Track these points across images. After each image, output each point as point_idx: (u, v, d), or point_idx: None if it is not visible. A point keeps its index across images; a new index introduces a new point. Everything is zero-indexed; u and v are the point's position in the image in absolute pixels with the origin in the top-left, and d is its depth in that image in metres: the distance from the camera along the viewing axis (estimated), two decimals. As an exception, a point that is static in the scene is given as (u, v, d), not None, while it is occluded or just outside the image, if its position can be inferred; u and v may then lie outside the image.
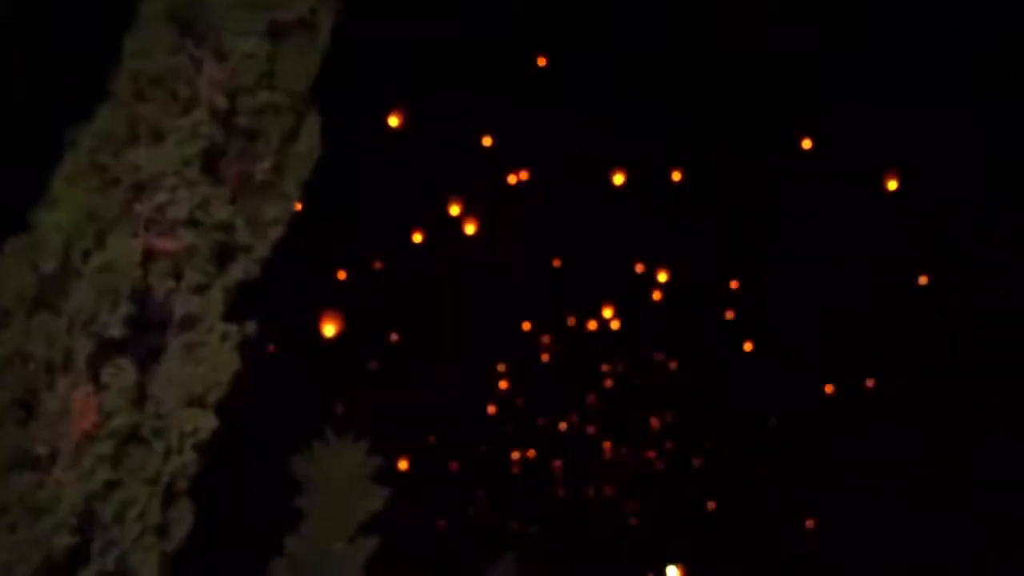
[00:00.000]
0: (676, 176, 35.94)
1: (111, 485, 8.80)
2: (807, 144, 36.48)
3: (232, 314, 10.38)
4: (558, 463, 38.68)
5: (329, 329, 28.59)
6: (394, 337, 38.28)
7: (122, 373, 8.96)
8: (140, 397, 9.22)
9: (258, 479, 25.58)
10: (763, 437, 38.48)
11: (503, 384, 38.22)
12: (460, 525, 37.43)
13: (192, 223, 9.62)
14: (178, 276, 9.78)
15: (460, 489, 37.92)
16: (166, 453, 9.26)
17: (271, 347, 38.31)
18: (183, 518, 9.54)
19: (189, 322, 9.72)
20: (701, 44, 37.64)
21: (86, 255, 9.06)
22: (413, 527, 36.99)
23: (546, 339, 38.37)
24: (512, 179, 37.60)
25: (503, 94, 39.30)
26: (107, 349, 9.01)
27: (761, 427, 38.56)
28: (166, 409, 9.29)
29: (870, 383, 39.07)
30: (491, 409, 38.29)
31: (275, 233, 10.80)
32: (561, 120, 38.40)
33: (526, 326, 38.47)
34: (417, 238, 36.55)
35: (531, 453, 38.65)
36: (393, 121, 33.88)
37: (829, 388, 38.44)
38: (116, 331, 8.94)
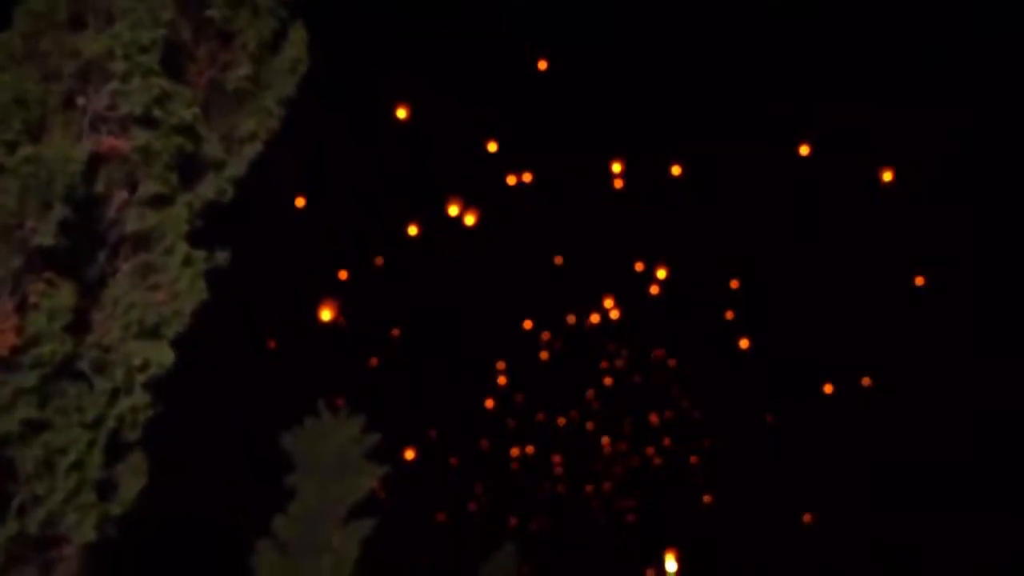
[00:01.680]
0: (676, 171, 33.84)
1: (35, 427, 6.74)
2: (805, 150, 34.68)
3: (201, 238, 8.35)
4: (557, 458, 36.60)
5: (326, 314, 26.68)
6: (395, 332, 36.22)
7: (55, 292, 6.87)
8: (79, 323, 7.14)
9: (248, 460, 23.61)
10: (761, 434, 36.43)
11: (502, 380, 36.15)
12: (459, 519, 35.36)
13: (148, 121, 7.56)
14: (133, 185, 7.73)
15: (460, 483, 35.82)
16: (111, 393, 7.18)
17: (272, 343, 36.39)
18: (134, 474, 7.46)
19: (144, 240, 7.65)
20: (701, 44, 35.83)
21: (12, 148, 6.99)
22: (413, 520, 35.00)
23: (546, 336, 36.29)
24: (512, 179, 35.68)
25: (504, 95, 37.46)
26: (36, 261, 6.91)
27: (759, 424, 36.50)
28: (112, 340, 7.22)
29: (866, 381, 36.97)
30: (491, 405, 36.20)
31: (251, 150, 8.73)
32: (561, 120, 36.56)
33: (527, 324, 36.40)
34: (416, 233, 34.61)
35: (530, 449, 36.56)
36: (400, 113, 31.99)
37: (828, 388, 36.31)
38: (47, 239, 6.85)
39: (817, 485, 35.59)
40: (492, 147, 35.24)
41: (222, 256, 8.17)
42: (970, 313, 34.83)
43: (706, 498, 36.00)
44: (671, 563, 33.32)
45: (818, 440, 35.77)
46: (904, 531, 34.04)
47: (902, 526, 34.08)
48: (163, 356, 7.22)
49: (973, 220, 34.33)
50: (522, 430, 36.49)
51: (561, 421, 36.35)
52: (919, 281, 36.09)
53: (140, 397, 7.25)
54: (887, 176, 33.11)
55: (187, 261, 7.69)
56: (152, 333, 7.30)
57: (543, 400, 36.44)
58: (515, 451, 36.50)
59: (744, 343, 36.29)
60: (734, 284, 35.89)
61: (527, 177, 35.68)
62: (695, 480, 36.47)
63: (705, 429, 36.79)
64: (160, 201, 7.67)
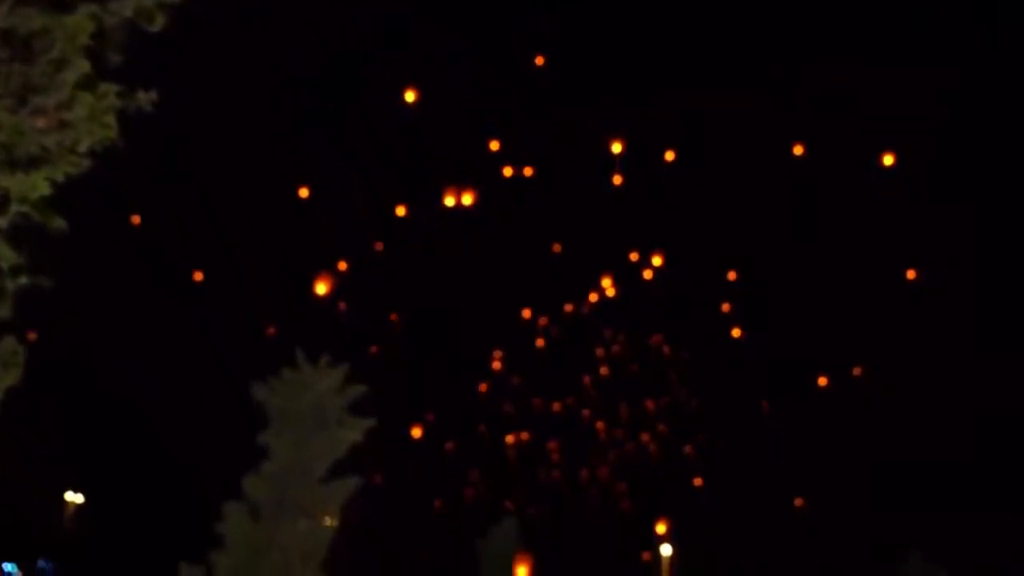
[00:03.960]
0: (670, 156, 31.57)
1: None
2: (799, 150, 32.55)
3: (121, 74, 5.89)
4: (553, 444, 34.00)
5: (321, 288, 24.42)
6: (394, 317, 33.80)
7: None
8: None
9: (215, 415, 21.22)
10: (756, 421, 33.96)
11: (498, 366, 33.66)
12: (457, 504, 32.81)
13: None
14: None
15: (456, 469, 33.26)
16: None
17: (271, 330, 34.00)
18: (5, 361, 5.01)
19: (24, 48, 5.21)
20: (698, 33, 33.71)
21: None
22: (410, 504, 32.68)
23: (543, 322, 33.75)
24: (510, 170, 33.45)
25: (504, 89, 35.36)
26: None
27: (754, 412, 34.03)
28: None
29: (857, 371, 34.59)
30: (488, 392, 33.66)
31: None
32: (560, 113, 34.41)
33: (526, 313, 33.96)
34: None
35: (525, 435, 33.95)
36: (409, 96, 29.90)
37: (823, 380, 33.91)
38: None
39: (810, 472, 33.24)
40: (492, 140, 33.27)
41: (146, 98, 5.68)
42: (970, 311, 32.58)
43: (697, 481, 33.47)
44: (667, 548, 31.09)
45: (812, 430, 33.47)
46: (891, 513, 31.78)
47: (889, 508, 31.79)
48: (29, 187, 4.73)
49: (973, 215, 32.10)
50: (519, 416, 33.96)
51: (557, 407, 33.81)
52: (911, 275, 33.88)
53: (3, 253, 4.75)
54: (888, 159, 30.98)
55: (87, 84, 5.20)
56: (25, 164, 4.81)
57: (540, 386, 33.93)
58: (511, 438, 33.95)
59: (739, 333, 34.11)
60: (731, 275, 33.56)
61: (525, 167, 33.64)
62: (690, 466, 33.96)
63: (701, 416, 34.29)
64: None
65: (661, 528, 30.10)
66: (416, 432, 32.82)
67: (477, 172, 31.96)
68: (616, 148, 28.26)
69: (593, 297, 31.54)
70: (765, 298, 33.95)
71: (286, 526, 11.46)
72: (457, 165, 32.70)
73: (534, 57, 33.62)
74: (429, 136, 34.18)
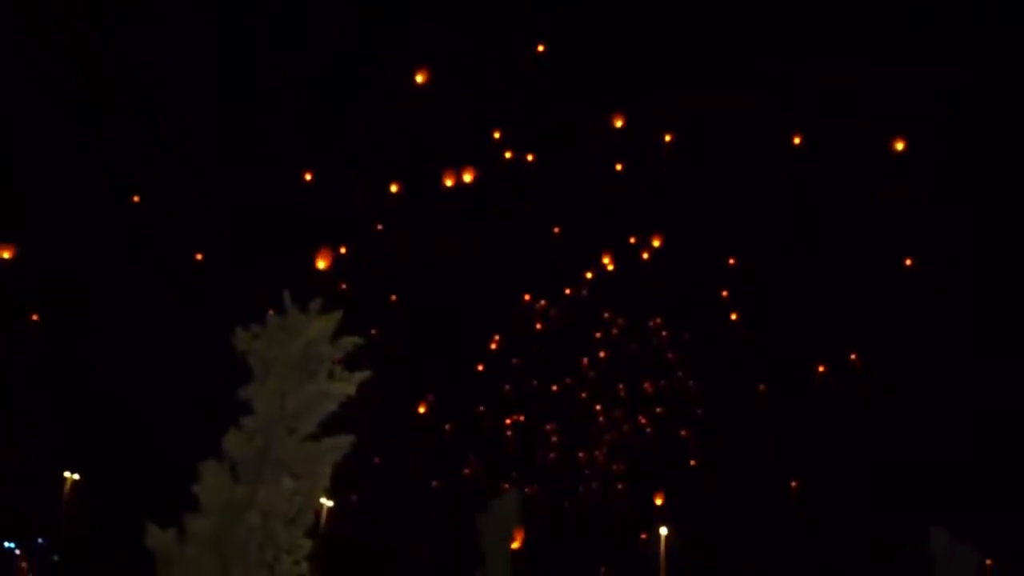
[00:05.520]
0: (669, 148, 30.23)
1: None
2: (797, 140, 31.23)
3: None
4: (551, 426, 32.52)
5: (321, 263, 23.05)
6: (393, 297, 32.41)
7: None
8: None
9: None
10: (753, 404, 32.58)
11: (497, 348, 32.27)
12: (454, 485, 31.43)
13: None
14: None
15: (455, 450, 31.87)
16: None
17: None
18: None
19: None
20: (698, 33, 32.42)
21: None
22: (407, 487, 31.43)
23: (542, 305, 32.35)
24: (509, 154, 32.13)
25: (504, 89, 34.13)
26: None
27: (751, 395, 32.64)
28: None
29: (853, 356, 33.30)
30: (486, 373, 32.22)
31: None
32: (560, 112, 33.13)
33: (525, 296, 32.61)
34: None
35: (522, 417, 32.48)
36: (419, 78, 28.55)
37: (821, 368, 32.60)
38: None
39: (805, 454, 31.97)
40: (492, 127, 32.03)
41: None
42: (970, 311, 31.40)
43: (698, 463, 32.18)
44: (664, 530, 29.76)
45: (809, 415, 32.18)
46: (884, 499, 30.54)
47: (882, 494, 30.54)
48: None
49: (973, 215, 30.90)
50: (517, 398, 32.60)
51: (555, 389, 32.43)
52: (908, 262, 32.58)
53: None
54: (890, 155, 29.66)
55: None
56: None
57: (538, 369, 32.57)
58: (509, 419, 32.56)
59: (738, 317, 32.81)
60: (731, 261, 32.24)
61: (520, 151, 32.38)
62: (688, 448, 32.64)
63: (697, 398, 32.95)
64: None
65: (658, 501, 28.88)
66: (416, 413, 31.53)
67: (478, 159, 30.78)
68: (618, 123, 26.77)
69: (590, 275, 30.17)
70: (765, 285, 32.78)
71: (268, 486, 9.77)
72: (456, 157, 31.58)
73: (534, 55, 32.53)
74: (429, 136, 33.14)
